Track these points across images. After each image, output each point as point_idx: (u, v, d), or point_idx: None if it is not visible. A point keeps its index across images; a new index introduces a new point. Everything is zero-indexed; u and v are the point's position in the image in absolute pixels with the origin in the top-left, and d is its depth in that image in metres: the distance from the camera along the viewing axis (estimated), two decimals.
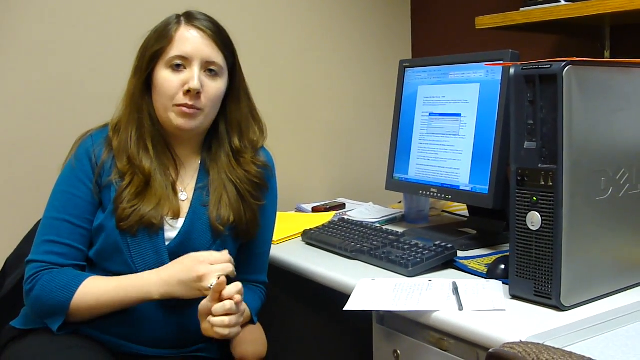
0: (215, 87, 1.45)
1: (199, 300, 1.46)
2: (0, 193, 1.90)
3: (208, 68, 1.44)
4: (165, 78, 1.43)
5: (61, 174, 1.47)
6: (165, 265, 1.38)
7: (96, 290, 1.36)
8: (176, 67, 1.43)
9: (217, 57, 1.45)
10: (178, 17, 1.47)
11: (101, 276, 1.39)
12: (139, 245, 1.41)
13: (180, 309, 1.42)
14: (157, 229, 1.42)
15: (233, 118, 1.52)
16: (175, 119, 1.43)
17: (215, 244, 1.47)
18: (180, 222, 1.46)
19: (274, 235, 1.66)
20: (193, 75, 1.41)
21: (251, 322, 1.54)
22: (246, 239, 1.53)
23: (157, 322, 1.42)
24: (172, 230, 1.45)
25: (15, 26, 1.89)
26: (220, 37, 1.47)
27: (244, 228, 1.50)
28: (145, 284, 1.36)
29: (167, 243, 1.43)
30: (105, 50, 2.00)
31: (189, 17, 1.46)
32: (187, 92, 1.41)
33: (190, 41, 1.43)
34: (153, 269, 1.39)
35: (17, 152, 1.91)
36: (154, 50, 1.44)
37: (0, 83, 1.88)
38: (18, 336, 1.43)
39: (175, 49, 1.43)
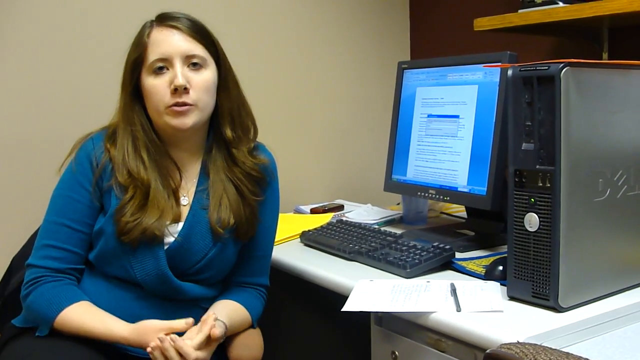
0: (203, 78, 1.43)
1: (194, 301, 1.46)
2: (6, 193, 1.91)
3: (191, 62, 1.42)
4: (151, 84, 1.42)
5: (61, 177, 1.46)
6: (132, 326, 1.35)
7: (76, 321, 1.36)
8: (159, 70, 1.41)
9: (196, 48, 1.43)
10: (151, 22, 1.46)
11: (87, 305, 1.38)
12: (138, 251, 1.40)
13: (175, 311, 1.42)
14: (159, 239, 1.41)
15: (224, 107, 1.49)
16: (171, 120, 1.42)
17: (216, 247, 1.46)
18: (179, 227, 1.45)
19: None
20: (176, 73, 1.40)
21: (251, 327, 1.54)
22: (246, 237, 1.52)
23: None
24: (170, 236, 1.44)
25: (15, 27, 1.89)
26: (195, 28, 1.45)
27: (244, 228, 1.49)
28: (116, 336, 1.34)
29: (165, 247, 1.43)
30: (104, 51, 2.00)
31: (160, 18, 1.45)
32: (175, 91, 1.40)
33: (165, 41, 1.42)
34: (152, 274, 1.40)
35: (22, 152, 1.92)
36: (132, 59, 1.44)
37: (5, 84, 1.89)
38: (16, 335, 1.43)
39: (153, 53, 1.42)
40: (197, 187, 1.50)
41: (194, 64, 1.43)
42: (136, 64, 1.43)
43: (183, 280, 1.44)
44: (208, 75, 1.45)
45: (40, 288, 1.39)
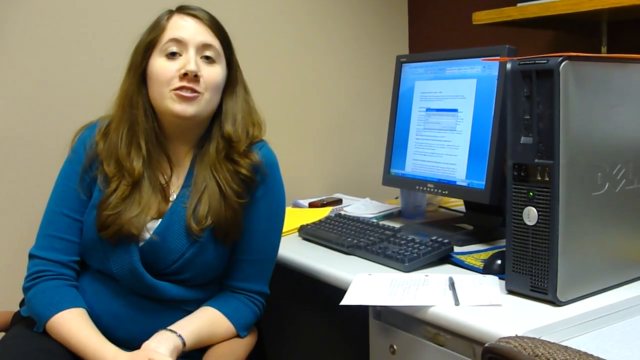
0: (214, 72, 1.41)
1: (174, 303, 1.43)
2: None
3: (204, 54, 1.41)
4: (161, 66, 1.39)
5: (62, 166, 1.46)
6: (125, 354, 1.31)
7: (66, 329, 1.33)
8: (171, 55, 1.39)
9: (214, 41, 1.42)
10: (170, 10, 1.46)
11: (81, 314, 1.36)
12: (113, 245, 1.38)
13: (154, 312, 1.41)
14: (135, 237, 1.38)
15: (228, 110, 1.46)
16: (173, 105, 1.38)
17: (194, 247, 1.41)
18: (158, 223, 1.42)
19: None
20: (189, 59, 1.38)
21: (237, 336, 1.46)
22: (228, 240, 1.44)
23: (132, 323, 1.38)
24: (147, 232, 1.40)
25: (14, 23, 1.88)
26: (214, 23, 1.45)
27: (223, 229, 1.42)
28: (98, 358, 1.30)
29: (140, 244, 1.40)
30: (104, 47, 2.00)
31: (182, 8, 1.45)
32: (184, 76, 1.37)
33: (184, 27, 1.41)
34: (125, 268, 1.38)
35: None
36: (147, 41, 1.41)
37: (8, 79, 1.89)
38: (17, 322, 1.45)
39: (169, 34, 1.40)
40: (184, 182, 1.46)
41: (207, 57, 1.41)
42: (150, 45, 1.41)
43: (161, 279, 1.41)
44: (218, 70, 1.43)
45: (41, 285, 1.38)
